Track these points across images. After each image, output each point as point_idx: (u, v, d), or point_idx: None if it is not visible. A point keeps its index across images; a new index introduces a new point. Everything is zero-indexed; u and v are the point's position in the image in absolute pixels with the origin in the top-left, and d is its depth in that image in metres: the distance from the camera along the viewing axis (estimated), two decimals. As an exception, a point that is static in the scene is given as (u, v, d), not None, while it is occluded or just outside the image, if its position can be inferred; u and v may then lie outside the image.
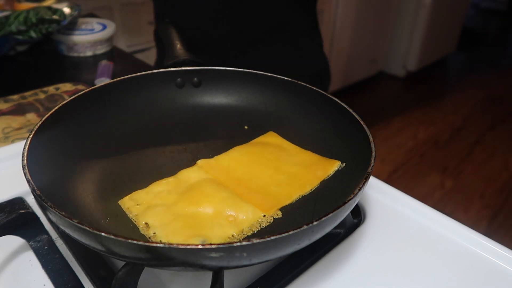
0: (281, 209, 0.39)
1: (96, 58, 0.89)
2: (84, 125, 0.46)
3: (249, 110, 0.54)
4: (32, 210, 0.41)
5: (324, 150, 0.46)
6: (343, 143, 0.46)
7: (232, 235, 0.36)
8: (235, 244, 0.27)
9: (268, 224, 0.38)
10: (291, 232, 0.28)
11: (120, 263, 0.38)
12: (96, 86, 0.48)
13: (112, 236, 0.27)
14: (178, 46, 0.56)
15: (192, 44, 0.69)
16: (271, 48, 0.79)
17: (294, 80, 0.51)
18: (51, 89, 0.72)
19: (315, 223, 0.29)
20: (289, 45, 0.80)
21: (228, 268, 0.30)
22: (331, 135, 0.47)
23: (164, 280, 0.37)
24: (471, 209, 1.85)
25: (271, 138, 0.49)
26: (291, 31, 0.80)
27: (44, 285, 0.36)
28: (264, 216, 0.38)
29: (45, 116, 0.41)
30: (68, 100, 0.44)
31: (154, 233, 0.36)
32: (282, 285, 0.36)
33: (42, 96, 0.70)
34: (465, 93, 2.85)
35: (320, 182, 0.43)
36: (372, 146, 0.39)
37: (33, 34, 0.81)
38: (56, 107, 0.42)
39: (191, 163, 0.45)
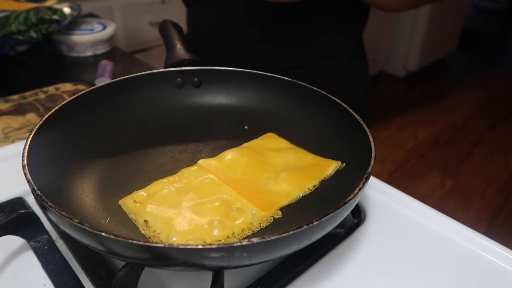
0: (281, 209, 0.39)
1: (96, 58, 0.89)
2: (84, 125, 0.46)
3: (249, 110, 0.54)
4: (32, 210, 0.41)
5: (324, 150, 0.46)
6: (343, 143, 0.45)
7: (232, 235, 0.36)
8: (235, 244, 0.27)
9: (268, 224, 0.38)
10: (291, 232, 0.28)
11: (120, 263, 0.38)
12: (96, 86, 0.48)
13: (112, 236, 0.27)
14: (178, 46, 0.56)
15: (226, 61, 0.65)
16: (315, 74, 0.78)
17: (294, 80, 0.51)
18: (51, 89, 0.72)
19: (315, 223, 0.29)
20: (334, 72, 0.79)
21: (228, 268, 0.30)
22: (331, 135, 0.47)
23: (164, 280, 0.37)
24: (471, 209, 1.85)
25: (271, 138, 0.49)
26: (334, 59, 0.79)
27: (44, 285, 0.36)
28: (264, 216, 0.38)
29: (45, 116, 0.41)
30: (68, 100, 0.44)
31: (154, 232, 0.36)
32: (282, 285, 0.36)
33: (42, 96, 0.70)
34: (465, 93, 2.85)
35: (320, 182, 0.43)
36: (372, 146, 0.39)
37: (33, 34, 0.81)
38: (56, 107, 0.42)
39: (191, 163, 0.45)
